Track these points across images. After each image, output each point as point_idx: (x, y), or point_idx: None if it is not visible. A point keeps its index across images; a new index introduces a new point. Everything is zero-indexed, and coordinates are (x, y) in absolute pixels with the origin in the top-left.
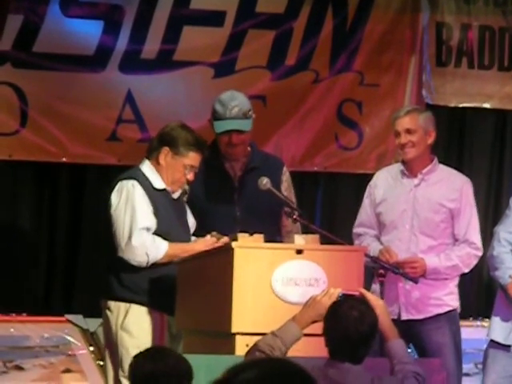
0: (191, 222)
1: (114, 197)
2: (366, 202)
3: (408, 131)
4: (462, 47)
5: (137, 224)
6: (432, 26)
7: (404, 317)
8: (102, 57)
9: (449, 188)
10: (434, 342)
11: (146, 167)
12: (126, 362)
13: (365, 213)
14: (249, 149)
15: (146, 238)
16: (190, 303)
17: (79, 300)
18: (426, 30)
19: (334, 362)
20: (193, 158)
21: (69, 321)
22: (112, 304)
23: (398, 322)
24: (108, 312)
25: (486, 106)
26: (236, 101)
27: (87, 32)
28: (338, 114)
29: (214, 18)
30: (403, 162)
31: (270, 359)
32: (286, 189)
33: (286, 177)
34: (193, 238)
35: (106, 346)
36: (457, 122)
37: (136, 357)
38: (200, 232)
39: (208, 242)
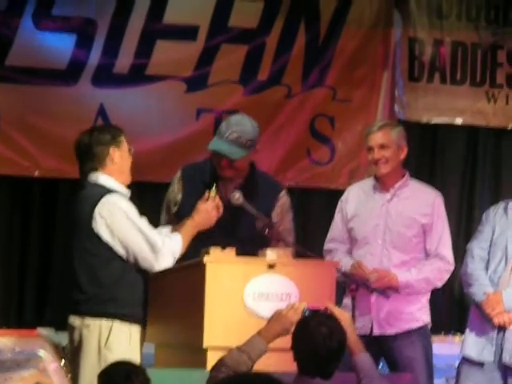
0: None
1: (106, 216)
2: (337, 217)
3: (381, 146)
4: (435, 62)
5: (148, 230)
6: (404, 41)
7: (376, 332)
8: (74, 70)
9: (421, 203)
10: (406, 356)
11: (104, 178)
12: None
13: (336, 228)
14: (248, 168)
15: (163, 238)
16: (162, 317)
17: (51, 313)
18: (398, 46)
19: (304, 377)
20: (126, 140)
21: (40, 334)
22: (91, 322)
23: (370, 337)
24: (85, 331)
25: (458, 121)
26: (240, 127)
27: (60, 45)
28: (310, 129)
29: (186, 33)
30: (375, 177)
31: (244, 375)
32: (278, 214)
33: (280, 202)
34: None
35: (79, 363)
36: (428, 137)
37: (108, 373)
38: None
39: (207, 213)
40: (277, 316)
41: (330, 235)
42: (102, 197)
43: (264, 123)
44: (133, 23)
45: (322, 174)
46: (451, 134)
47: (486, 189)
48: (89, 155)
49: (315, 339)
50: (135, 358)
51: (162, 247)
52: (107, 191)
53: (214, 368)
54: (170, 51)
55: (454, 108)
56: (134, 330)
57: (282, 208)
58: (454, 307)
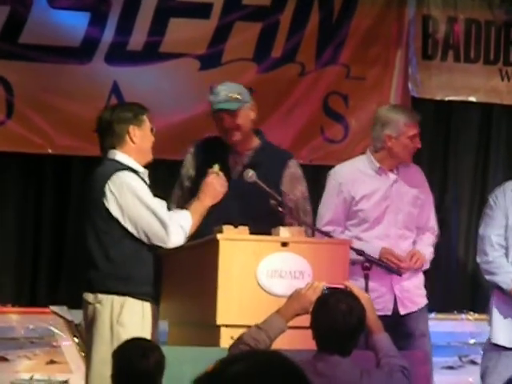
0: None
1: (117, 193)
2: (336, 199)
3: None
4: (448, 40)
5: (158, 207)
6: (418, 19)
7: (402, 311)
8: (88, 48)
9: (416, 180)
10: (420, 333)
11: (120, 157)
12: None
13: (335, 210)
14: (258, 141)
15: (172, 214)
16: (175, 295)
17: (64, 291)
18: (412, 24)
19: (323, 354)
20: (148, 121)
21: (53, 312)
22: (104, 297)
23: (393, 316)
24: (98, 306)
25: (472, 99)
26: (225, 86)
27: (73, 23)
28: (323, 107)
29: (200, 10)
30: (378, 159)
31: (259, 352)
32: (287, 183)
33: (289, 172)
34: None
35: (92, 339)
36: (443, 115)
37: (123, 350)
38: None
39: (214, 187)
40: (296, 295)
41: (326, 217)
42: (113, 174)
43: (277, 101)
44: (146, 1)
45: (335, 151)
46: (465, 111)
47: (500, 167)
48: (109, 132)
49: (334, 316)
50: (148, 335)
51: (170, 224)
52: (120, 168)
53: (232, 345)
54: (183, 29)
55: (468, 86)
56: (147, 307)
57: (292, 177)
58: (466, 286)
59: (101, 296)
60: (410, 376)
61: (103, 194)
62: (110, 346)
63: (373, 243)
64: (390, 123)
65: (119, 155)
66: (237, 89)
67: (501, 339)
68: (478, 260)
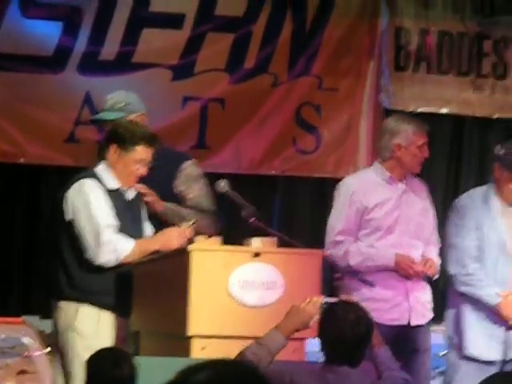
0: (148, 230)
1: (73, 196)
2: (349, 209)
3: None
4: (421, 52)
5: (102, 222)
6: (391, 30)
7: (414, 322)
8: (60, 58)
9: (422, 191)
10: (425, 348)
11: (100, 168)
12: (76, 363)
13: (348, 220)
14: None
15: (113, 235)
16: (147, 305)
17: (36, 301)
18: (384, 35)
19: (331, 365)
20: (141, 152)
21: (25, 322)
22: (62, 304)
23: (406, 327)
24: (58, 313)
25: (444, 111)
26: (113, 94)
27: (46, 33)
28: (296, 118)
29: (173, 21)
30: (387, 169)
31: (224, 361)
32: (183, 183)
33: (185, 172)
34: None
35: (57, 346)
36: None
37: (96, 359)
38: None
39: (168, 237)
40: (295, 310)
41: (338, 227)
42: (77, 180)
43: (250, 112)
44: (119, 11)
45: (307, 162)
46: (437, 123)
47: (471, 178)
48: (102, 143)
49: (343, 326)
50: (104, 343)
51: (105, 243)
52: (85, 176)
53: None
54: (156, 39)
55: (440, 98)
56: (104, 316)
57: (188, 177)
58: (437, 298)
59: (59, 303)
60: None
61: (64, 199)
62: (66, 352)
63: (386, 250)
64: (399, 133)
65: (101, 166)
66: (122, 98)
67: (475, 351)
68: (453, 271)
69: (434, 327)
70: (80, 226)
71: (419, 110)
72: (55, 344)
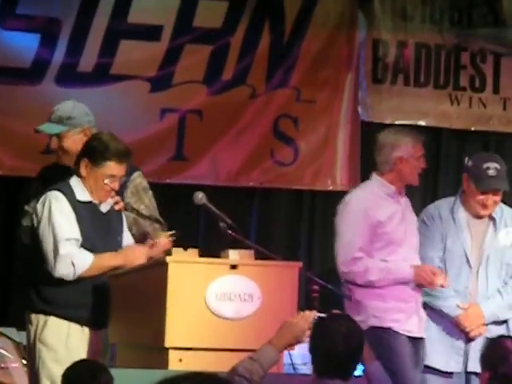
0: (129, 241)
1: (39, 208)
2: (362, 225)
3: None
4: (398, 64)
5: (62, 235)
6: (368, 42)
7: (418, 335)
8: (38, 70)
9: (410, 205)
10: (420, 362)
11: (74, 180)
12: (43, 375)
13: (363, 236)
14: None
15: (72, 249)
16: (124, 317)
17: (13, 313)
18: (362, 47)
19: (323, 379)
20: (112, 168)
21: (2, 334)
22: (32, 316)
23: (415, 339)
24: (29, 324)
25: (422, 123)
26: (59, 106)
27: (24, 45)
28: (274, 130)
29: (151, 32)
30: (388, 182)
31: (199, 374)
32: (133, 194)
33: (134, 183)
34: None
35: (27, 358)
36: None
37: (71, 372)
38: None
39: (131, 254)
40: (288, 324)
41: (357, 244)
42: (46, 192)
43: (228, 123)
44: (97, 22)
45: (285, 174)
46: None
47: (448, 190)
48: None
49: (335, 339)
50: (73, 356)
51: (62, 255)
52: (57, 188)
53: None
54: (134, 51)
55: (418, 110)
56: (74, 329)
57: (137, 188)
58: None
59: (30, 315)
60: None
61: (34, 210)
62: (35, 365)
63: (402, 264)
64: (399, 146)
65: (73, 178)
66: (68, 112)
67: (435, 362)
68: None
69: None
70: (41, 238)
71: (397, 122)
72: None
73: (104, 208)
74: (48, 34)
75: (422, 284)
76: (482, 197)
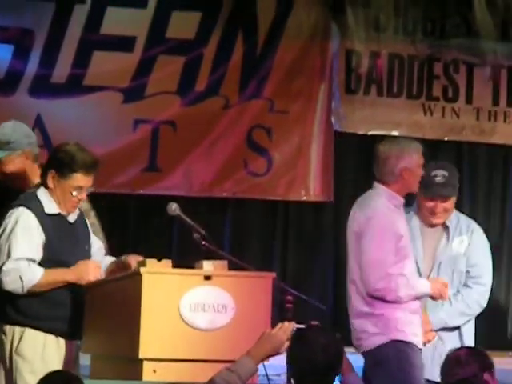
0: (97, 244)
1: (4, 223)
2: (391, 241)
3: None
4: (372, 75)
5: (16, 253)
6: (342, 53)
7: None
8: (11, 81)
9: None
10: None
11: (41, 192)
12: None
13: (392, 253)
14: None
15: (21, 264)
16: (98, 328)
17: None
18: (335, 58)
19: None
20: (79, 180)
21: None
22: (7, 328)
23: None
24: (3, 335)
25: (395, 133)
26: (4, 129)
27: None
28: (247, 140)
29: (123, 44)
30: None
31: None
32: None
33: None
34: (108, 259)
35: (3, 369)
36: (365, 149)
37: (45, 382)
38: None
39: (84, 269)
40: (266, 336)
41: (389, 260)
42: (14, 208)
43: (201, 134)
44: (70, 33)
45: (258, 185)
46: None
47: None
48: (42, 167)
49: (314, 350)
50: (49, 367)
51: (9, 269)
52: (22, 204)
53: None
54: (107, 62)
55: (391, 120)
56: (50, 341)
57: (83, 208)
58: None
59: (4, 326)
60: None
61: (2, 224)
62: (11, 377)
63: (420, 279)
64: (404, 156)
65: (41, 190)
66: (9, 135)
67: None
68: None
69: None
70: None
71: (370, 132)
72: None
73: (71, 218)
74: (21, 45)
75: (434, 297)
76: (430, 204)
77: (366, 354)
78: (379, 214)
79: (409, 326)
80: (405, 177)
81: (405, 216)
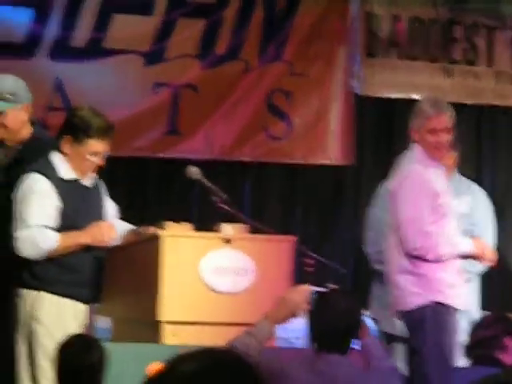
0: (111, 207)
1: (18, 190)
2: (427, 199)
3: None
4: (392, 38)
5: (29, 219)
6: (362, 16)
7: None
8: (31, 44)
9: None
10: None
11: (56, 157)
12: (39, 352)
13: (428, 210)
14: (29, 133)
15: (35, 231)
16: (118, 291)
17: None
18: (355, 21)
19: (322, 353)
20: (94, 145)
21: None
22: (23, 292)
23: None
24: (18, 300)
25: (415, 96)
26: (1, 82)
27: (17, 19)
28: (267, 104)
29: (144, 6)
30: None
31: (212, 350)
32: None
33: None
34: (118, 222)
35: (16, 332)
36: (386, 112)
37: (65, 346)
38: None
39: (97, 230)
40: (283, 299)
41: (426, 217)
42: (28, 173)
43: (221, 97)
44: None
45: (278, 148)
46: (408, 109)
47: None
48: (61, 128)
49: (334, 314)
50: (66, 331)
51: (24, 236)
52: (36, 170)
53: None
54: (127, 25)
55: (411, 83)
56: (66, 305)
57: None
58: None
59: (20, 290)
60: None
61: (16, 191)
62: (28, 341)
63: (463, 238)
64: (412, 117)
65: (57, 155)
66: (11, 88)
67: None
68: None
69: None
70: (14, 218)
71: (391, 95)
72: (15, 329)
73: (87, 182)
74: (41, 9)
75: (477, 256)
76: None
77: (403, 314)
78: (412, 173)
79: (451, 287)
80: (415, 139)
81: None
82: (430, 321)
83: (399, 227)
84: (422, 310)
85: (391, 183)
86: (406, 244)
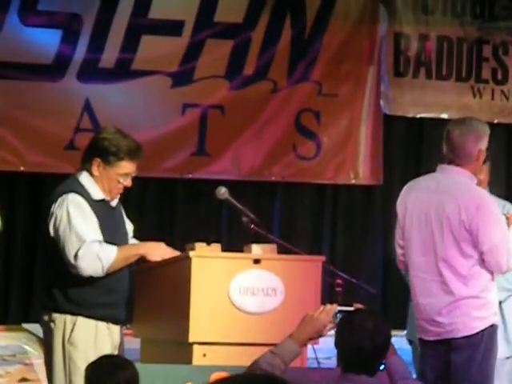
0: (129, 227)
1: (57, 211)
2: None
3: None
4: (420, 58)
5: (85, 237)
6: (390, 36)
7: None
8: (60, 66)
9: None
10: None
11: (84, 178)
12: (75, 376)
13: None
14: None
15: (94, 246)
16: (148, 312)
17: (36, 309)
18: (384, 41)
19: (349, 374)
20: (124, 167)
21: (26, 330)
22: (57, 316)
23: None
24: (52, 324)
25: (444, 116)
26: None
27: (45, 41)
28: (295, 124)
29: (172, 28)
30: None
31: (257, 375)
32: None
33: None
34: (133, 241)
35: (48, 358)
36: (414, 132)
37: (95, 367)
38: None
39: (155, 246)
40: (309, 318)
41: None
42: (62, 194)
43: (250, 118)
44: (118, 18)
45: (307, 169)
46: (437, 128)
47: None
48: (87, 149)
49: (361, 335)
50: (101, 353)
51: (86, 253)
52: (70, 190)
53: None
54: (155, 46)
55: (440, 103)
56: (102, 327)
57: None
58: None
59: (54, 315)
60: None
61: (49, 213)
62: (63, 366)
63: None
64: (482, 138)
65: (84, 175)
66: None
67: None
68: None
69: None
70: (64, 241)
71: (419, 115)
72: (45, 355)
73: (113, 203)
74: (69, 30)
75: None
76: None
77: (459, 340)
78: (484, 198)
79: (495, 307)
80: (480, 158)
81: None
82: (485, 344)
83: (487, 254)
84: (481, 333)
85: (452, 210)
86: (498, 269)
